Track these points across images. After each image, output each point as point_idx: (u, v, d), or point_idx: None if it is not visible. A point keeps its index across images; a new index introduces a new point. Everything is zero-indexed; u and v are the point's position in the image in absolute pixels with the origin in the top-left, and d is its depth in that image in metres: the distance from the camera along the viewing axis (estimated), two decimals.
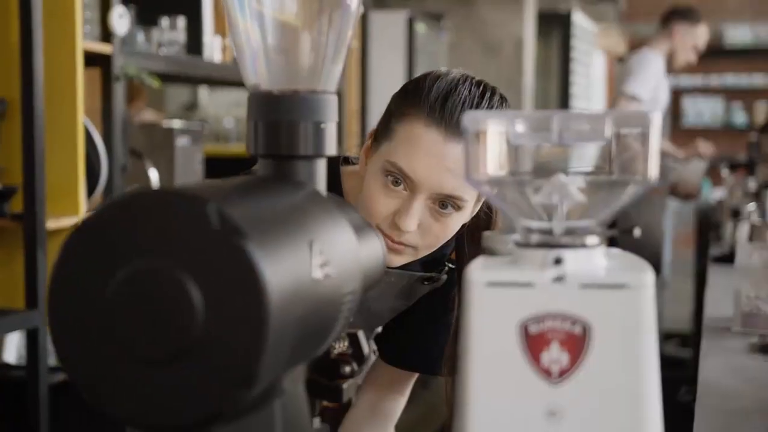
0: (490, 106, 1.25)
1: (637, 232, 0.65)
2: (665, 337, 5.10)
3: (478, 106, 1.23)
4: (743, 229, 2.55)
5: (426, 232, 1.25)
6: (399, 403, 1.57)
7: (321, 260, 0.65)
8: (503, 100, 1.29)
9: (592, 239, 0.66)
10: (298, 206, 0.68)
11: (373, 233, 0.82)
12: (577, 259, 0.65)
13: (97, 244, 0.58)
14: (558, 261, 0.64)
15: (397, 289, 1.41)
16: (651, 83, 4.50)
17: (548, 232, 0.66)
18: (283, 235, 0.62)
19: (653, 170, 0.65)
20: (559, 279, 0.63)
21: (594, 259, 0.65)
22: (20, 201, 2.33)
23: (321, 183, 0.75)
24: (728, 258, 2.43)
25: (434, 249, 1.30)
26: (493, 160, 0.67)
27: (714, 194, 5.17)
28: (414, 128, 1.23)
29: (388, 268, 1.38)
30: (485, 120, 0.67)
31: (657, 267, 4.45)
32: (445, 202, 1.24)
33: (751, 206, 2.73)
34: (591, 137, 0.65)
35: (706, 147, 4.96)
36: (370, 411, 1.52)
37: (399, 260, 1.29)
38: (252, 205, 0.62)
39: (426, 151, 1.22)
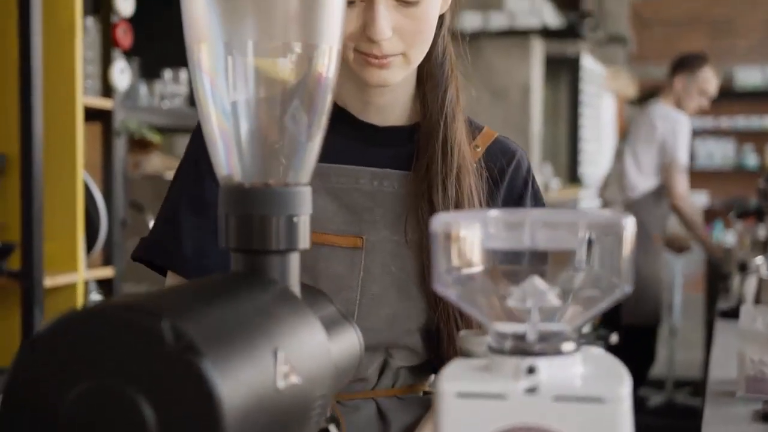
0: None
1: (614, 338, 0.62)
2: (676, 385, 5.03)
3: None
4: (750, 284, 2.52)
5: (404, 33, 1.15)
6: None
7: (287, 368, 0.63)
8: None
9: (567, 345, 0.63)
10: (264, 310, 0.66)
11: (348, 326, 0.79)
12: (551, 367, 0.62)
13: (49, 361, 0.56)
14: (531, 370, 0.62)
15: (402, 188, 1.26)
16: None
17: (522, 337, 0.64)
18: (245, 346, 0.59)
19: (627, 277, 0.62)
20: (531, 390, 0.61)
21: (569, 366, 0.63)
22: (18, 258, 2.31)
23: (293, 278, 0.73)
24: (735, 312, 2.39)
25: (424, 49, 1.20)
26: (464, 262, 0.64)
27: (726, 237, 5.12)
28: None
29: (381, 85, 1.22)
30: (456, 222, 0.64)
31: (656, 314, 4.34)
32: None
33: (759, 260, 2.69)
34: (564, 241, 0.63)
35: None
36: None
37: (393, 75, 1.19)
38: (211, 316, 0.60)
39: None
